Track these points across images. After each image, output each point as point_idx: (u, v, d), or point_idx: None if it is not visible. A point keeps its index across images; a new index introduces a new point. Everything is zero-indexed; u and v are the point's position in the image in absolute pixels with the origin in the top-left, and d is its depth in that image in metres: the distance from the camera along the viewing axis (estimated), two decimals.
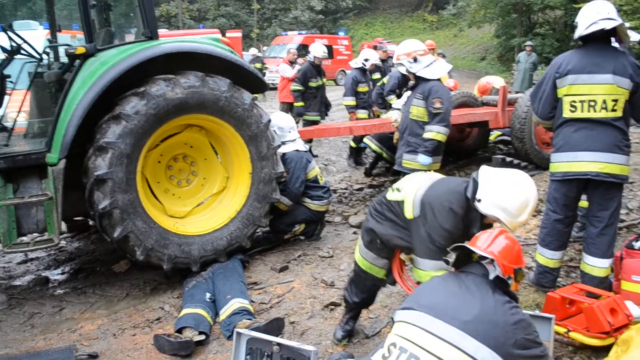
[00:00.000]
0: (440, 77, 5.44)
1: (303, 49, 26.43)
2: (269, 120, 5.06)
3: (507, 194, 2.88)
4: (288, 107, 10.77)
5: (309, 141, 8.56)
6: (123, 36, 5.70)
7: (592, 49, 3.76)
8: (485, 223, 3.01)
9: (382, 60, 10.34)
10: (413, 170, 5.45)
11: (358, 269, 3.56)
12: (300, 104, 9.33)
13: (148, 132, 4.44)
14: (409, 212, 3.15)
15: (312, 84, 9.34)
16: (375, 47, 14.82)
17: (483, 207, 2.91)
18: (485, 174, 2.98)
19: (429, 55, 5.53)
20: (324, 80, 9.68)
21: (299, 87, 9.26)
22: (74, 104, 4.37)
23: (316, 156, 9.59)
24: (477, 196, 2.93)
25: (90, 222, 6.13)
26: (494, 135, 9.26)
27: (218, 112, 4.72)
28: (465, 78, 24.23)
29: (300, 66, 10.86)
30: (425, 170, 5.24)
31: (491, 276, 2.34)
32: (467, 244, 2.50)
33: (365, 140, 8.21)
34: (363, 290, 3.62)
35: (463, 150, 8.63)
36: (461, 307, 2.27)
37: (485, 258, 2.40)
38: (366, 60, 9.25)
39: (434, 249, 3.02)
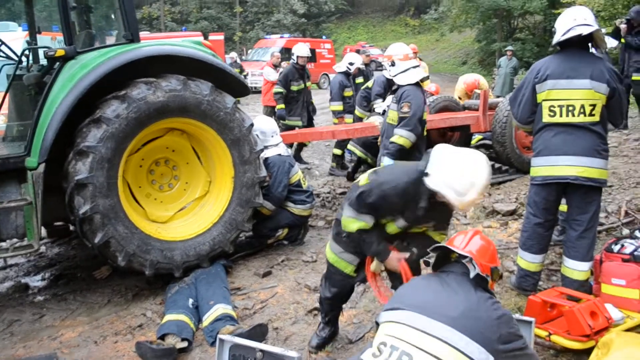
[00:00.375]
0: (413, 82, 5.42)
1: (286, 53, 26.57)
2: (252, 124, 5.05)
3: (455, 171, 2.83)
4: (272, 111, 10.73)
5: (290, 146, 8.55)
6: (104, 38, 5.64)
7: (570, 55, 3.81)
8: (435, 201, 2.96)
9: (365, 65, 10.36)
10: None
11: (327, 262, 3.57)
12: (281, 106, 9.21)
13: (129, 136, 4.39)
14: (363, 181, 3.15)
15: (294, 87, 9.24)
16: (358, 51, 14.86)
17: (431, 182, 2.88)
18: (439, 150, 2.96)
19: (410, 60, 5.57)
20: (309, 83, 9.60)
21: (281, 90, 9.17)
22: (53, 107, 4.32)
23: (307, 163, 9.56)
24: (427, 170, 2.91)
25: (71, 228, 6.05)
26: (475, 139, 9.32)
27: (200, 116, 4.69)
28: (447, 82, 24.41)
29: (283, 69, 10.84)
30: None
31: (472, 274, 2.43)
32: (445, 244, 2.59)
33: (349, 146, 8.20)
34: (334, 285, 3.54)
35: None
36: (447, 304, 2.33)
37: (464, 257, 2.50)
38: (351, 64, 9.26)
39: (362, 202, 3.05)
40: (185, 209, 5.16)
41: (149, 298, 4.69)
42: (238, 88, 5.25)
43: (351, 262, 3.43)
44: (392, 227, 3.22)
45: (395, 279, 3.44)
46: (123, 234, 4.37)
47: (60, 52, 4.55)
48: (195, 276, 4.65)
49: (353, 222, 3.12)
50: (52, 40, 10.28)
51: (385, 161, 5.42)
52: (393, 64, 5.55)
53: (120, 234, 4.36)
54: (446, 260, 2.64)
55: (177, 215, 5.11)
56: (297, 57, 9.28)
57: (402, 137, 5.31)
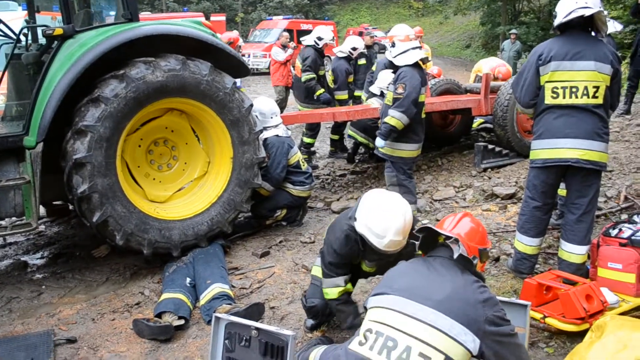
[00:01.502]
0: (411, 63, 5.34)
1: (288, 34, 26.26)
2: (251, 105, 5.02)
3: (372, 214, 3.02)
4: (283, 90, 10.59)
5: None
6: (102, 18, 5.60)
7: (572, 37, 3.78)
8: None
9: (368, 47, 10.19)
10: (387, 155, 5.49)
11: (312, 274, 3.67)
12: (322, 90, 8.51)
13: (128, 115, 4.37)
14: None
15: (321, 71, 8.79)
16: (360, 33, 14.67)
17: (357, 225, 3.09)
18: (366, 195, 3.15)
19: (411, 42, 5.52)
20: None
21: (312, 75, 8.45)
22: (52, 86, 4.29)
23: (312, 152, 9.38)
24: (355, 215, 3.13)
25: (70, 207, 6.07)
26: (476, 122, 9.29)
27: (199, 96, 4.67)
28: (450, 65, 24.30)
29: (291, 49, 10.65)
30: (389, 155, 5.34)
31: (455, 255, 2.44)
32: (431, 226, 2.60)
33: (350, 132, 8.13)
34: (316, 296, 3.57)
35: (446, 138, 8.64)
36: (433, 288, 2.34)
37: (449, 238, 2.51)
38: (354, 49, 9.05)
39: (325, 268, 3.31)
40: (184, 189, 5.16)
41: (147, 277, 4.71)
42: (238, 68, 5.21)
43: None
44: (365, 267, 3.41)
45: None
46: (121, 213, 4.38)
47: (59, 31, 4.52)
48: (193, 255, 4.67)
49: (330, 290, 3.33)
50: (52, 20, 10.21)
51: (378, 142, 5.43)
52: (394, 45, 5.49)
53: (118, 213, 4.37)
54: (434, 243, 2.63)
55: (176, 195, 5.11)
56: (324, 42, 8.72)
57: (393, 117, 5.25)
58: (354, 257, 3.30)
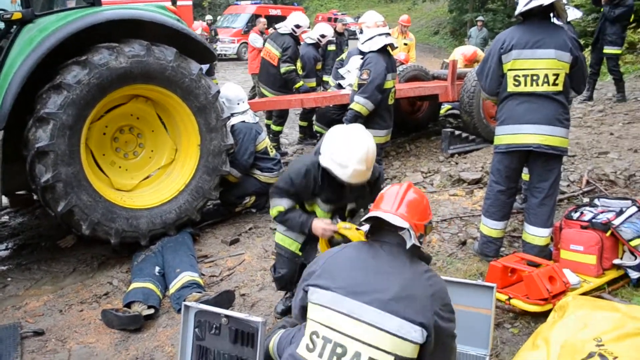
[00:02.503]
0: (375, 49, 5.33)
1: (256, 19, 25.92)
2: (218, 92, 4.97)
3: (335, 145, 3.09)
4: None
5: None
6: (63, 1, 5.43)
7: (532, 25, 3.85)
8: (332, 178, 3.17)
9: (339, 34, 10.08)
10: None
11: (275, 243, 3.66)
12: (301, 83, 8.19)
13: (91, 102, 4.28)
14: None
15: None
16: (329, 19, 14.58)
17: (321, 159, 3.17)
18: (330, 130, 3.22)
19: (378, 28, 5.52)
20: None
21: (292, 67, 8.05)
22: (11, 72, 4.17)
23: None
24: (320, 150, 3.20)
25: (34, 196, 5.93)
26: (444, 109, 9.38)
27: (165, 83, 4.60)
28: (419, 52, 24.30)
29: (263, 36, 10.37)
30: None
31: (408, 245, 2.32)
32: (377, 213, 2.40)
33: (316, 127, 8.04)
34: (282, 265, 3.59)
35: (414, 124, 8.71)
36: (380, 284, 2.23)
37: (402, 229, 2.35)
38: (322, 36, 8.98)
39: (275, 189, 3.36)
40: (151, 177, 5.10)
41: (115, 266, 4.65)
42: (204, 54, 5.15)
43: (295, 239, 3.51)
44: (319, 211, 3.39)
45: None
46: (87, 203, 4.30)
47: (17, 15, 4.39)
48: (162, 244, 4.64)
49: (273, 209, 3.40)
50: (11, 4, 9.86)
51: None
52: (362, 32, 5.49)
53: (84, 203, 4.29)
54: (380, 226, 2.44)
55: (143, 184, 5.05)
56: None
57: (358, 103, 5.25)
58: (306, 195, 3.31)
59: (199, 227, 5.25)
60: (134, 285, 4.03)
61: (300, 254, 3.52)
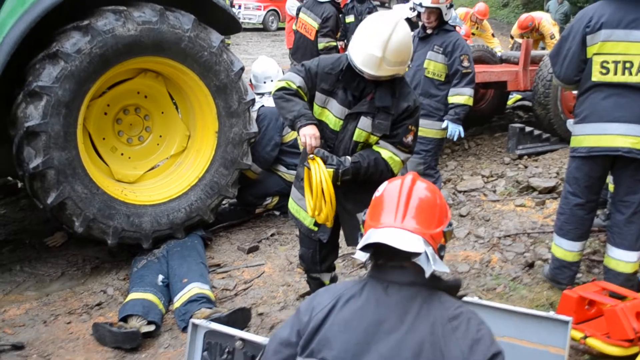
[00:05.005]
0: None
1: None
2: (242, 69, 5.00)
3: (363, 25, 3.22)
4: None
5: None
6: None
7: (626, 0, 3.76)
8: (355, 76, 3.26)
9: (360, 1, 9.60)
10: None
11: (289, 214, 3.74)
12: None
13: (92, 76, 4.35)
14: None
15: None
16: None
17: (350, 57, 3.22)
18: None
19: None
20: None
21: (333, 43, 8.05)
22: (0, 37, 4.27)
23: None
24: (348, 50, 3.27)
25: (19, 184, 6.07)
26: (512, 99, 9.29)
27: (179, 56, 4.65)
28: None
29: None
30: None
31: (427, 273, 1.95)
32: (375, 237, 2.00)
33: None
34: (301, 242, 3.75)
35: (475, 116, 8.63)
36: (388, 350, 1.92)
37: (414, 254, 1.96)
38: None
39: (297, 66, 3.47)
40: (158, 168, 5.18)
41: (111, 272, 4.73)
42: (227, 24, 5.18)
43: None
44: (330, 118, 3.38)
45: (350, 218, 3.49)
46: (82, 195, 4.38)
47: None
48: (168, 248, 4.69)
49: (281, 81, 3.43)
50: None
51: (452, 128, 5.34)
52: (451, 5, 5.47)
53: (78, 195, 4.36)
54: (385, 255, 2.04)
55: (148, 175, 5.12)
56: None
57: (469, 97, 5.35)
58: (326, 84, 3.37)
59: (212, 230, 5.30)
60: (132, 295, 4.08)
61: (315, 229, 3.55)
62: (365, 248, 2.04)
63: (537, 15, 10.09)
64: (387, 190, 2.14)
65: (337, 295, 2.08)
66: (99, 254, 4.99)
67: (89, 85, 4.37)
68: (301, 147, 5.00)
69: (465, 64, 5.27)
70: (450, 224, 2.10)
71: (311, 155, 3.17)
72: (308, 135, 3.18)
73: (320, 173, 3.12)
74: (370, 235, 2.02)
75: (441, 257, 2.03)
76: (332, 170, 3.13)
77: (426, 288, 1.99)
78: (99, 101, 4.83)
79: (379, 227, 2.03)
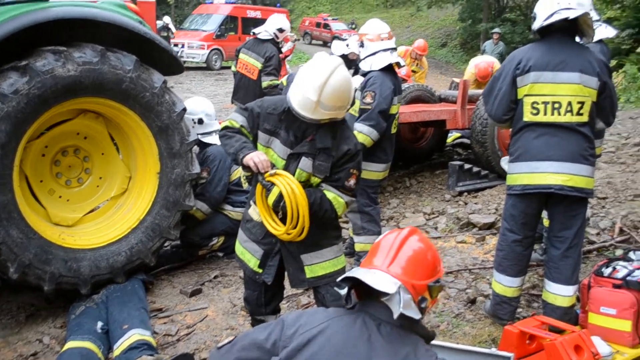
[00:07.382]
0: (377, 69, 5.28)
1: (231, 22, 26.23)
2: (184, 109, 5.00)
3: (301, 71, 3.33)
4: None
5: None
6: None
7: (554, 43, 3.93)
8: (294, 119, 3.35)
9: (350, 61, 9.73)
10: None
11: (236, 257, 3.78)
12: None
13: (30, 117, 4.28)
14: None
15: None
16: (325, 26, 14.59)
17: (289, 99, 3.32)
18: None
19: (383, 41, 5.46)
20: None
21: (277, 81, 8.03)
22: None
23: None
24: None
25: None
26: (452, 137, 9.51)
27: (120, 97, 4.62)
28: None
29: (292, 43, 10.04)
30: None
31: (395, 314, 2.10)
32: (356, 272, 2.22)
33: None
34: (245, 285, 3.80)
35: (416, 154, 8.81)
36: None
37: (386, 295, 2.14)
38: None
39: (242, 107, 3.56)
40: (98, 210, 5.10)
41: (47, 320, 4.60)
42: (169, 64, 5.20)
43: (254, 254, 3.58)
44: (275, 157, 3.43)
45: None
46: (17, 240, 4.26)
47: None
48: (107, 294, 4.60)
49: (225, 121, 3.52)
50: None
51: None
52: (362, 45, 5.52)
53: (13, 239, 4.25)
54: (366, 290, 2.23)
55: (87, 218, 5.04)
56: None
57: (361, 133, 5.08)
58: (268, 124, 3.42)
59: (154, 273, 5.22)
60: (69, 344, 3.98)
61: (260, 270, 3.57)
62: (344, 281, 2.25)
63: (489, 60, 10.23)
64: (385, 237, 2.35)
65: (328, 320, 2.23)
66: (35, 301, 4.84)
67: (26, 126, 4.29)
68: (245, 185, 5.03)
69: (368, 100, 5.18)
70: (438, 281, 2.25)
71: (272, 172, 3.23)
72: (256, 156, 3.23)
73: (290, 184, 3.18)
74: (353, 271, 2.22)
75: (421, 309, 2.16)
76: (298, 185, 3.25)
77: (402, 329, 2.14)
78: (37, 142, 4.74)
79: (368, 267, 2.23)
